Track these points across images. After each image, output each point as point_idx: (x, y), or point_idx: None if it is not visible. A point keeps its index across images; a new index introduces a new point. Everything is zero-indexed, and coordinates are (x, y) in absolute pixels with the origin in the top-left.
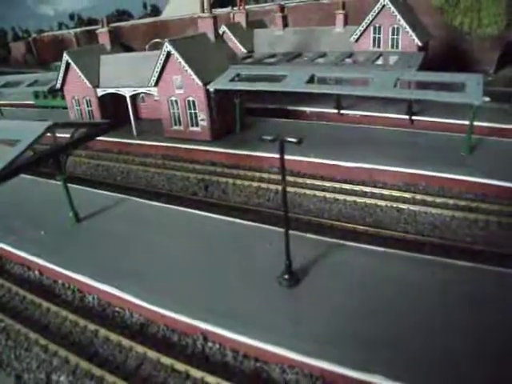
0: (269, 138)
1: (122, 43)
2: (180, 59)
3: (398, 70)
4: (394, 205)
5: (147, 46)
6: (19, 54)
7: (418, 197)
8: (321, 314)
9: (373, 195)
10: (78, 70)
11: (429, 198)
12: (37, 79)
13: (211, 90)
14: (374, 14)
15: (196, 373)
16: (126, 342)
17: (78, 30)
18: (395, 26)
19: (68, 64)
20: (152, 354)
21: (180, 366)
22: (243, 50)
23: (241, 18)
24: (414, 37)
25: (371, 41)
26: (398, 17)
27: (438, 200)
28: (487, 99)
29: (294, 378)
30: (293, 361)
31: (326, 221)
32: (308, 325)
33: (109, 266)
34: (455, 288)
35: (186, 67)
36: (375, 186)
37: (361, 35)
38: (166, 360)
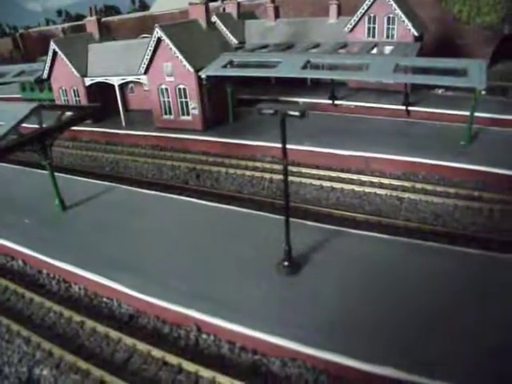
0: (270, 111)
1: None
2: (171, 45)
3: (396, 56)
4: (394, 193)
5: None
6: (6, 51)
7: (419, 185)
8: (323, 301)
9: (371, 184)
10: (65, 59)
11: (429, 187)
12: (23, 70)
13: (203, 76)
14: (369, 3)
15: (189, 366)
16: (114, 333)
17: (66, 25)
18: (391, 16)
19: (55, 53)
20: (142, 347)
21: (172, 359)
22: (234, 40)
23: (232, 9)
24: (410, 27)
25: (366, 31)
26: (394, 6)
27: (439, 189)
28: (483, 92)
29: (297, 372)
30: (295, 353)
31: (324, 209)
32: (309, 313)
33: (95, 254)
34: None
35: (177, 53)
36: (373, 175)
37: (355, 25)
38: (158, 353)
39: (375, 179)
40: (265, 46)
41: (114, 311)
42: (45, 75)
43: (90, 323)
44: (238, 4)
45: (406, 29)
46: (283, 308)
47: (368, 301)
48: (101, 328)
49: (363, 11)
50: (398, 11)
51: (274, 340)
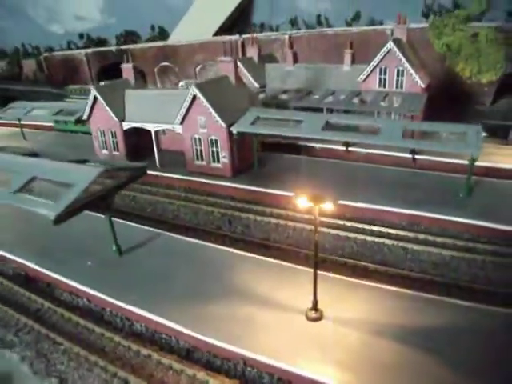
0: None
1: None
2: (205, 102)
3: (404, 120)
4: (400, 244)
5: (156, 69)
6: (30, 72)
7: (421, 236)
8: (347, 340)
9: (380, 234)
10: (104, 105)
11: (430, 238)
12: (62, 108)
13: (234, 132)
14: (381, 56)
15: None
16: (177, 365)
17: (89, 50)
18: (400, 68)
19: (95, 98)
20: (201, 376)
21: None
22: (256, 84)
23: (253, 53)
24: (418, 79)
25: (377, 81)
26: (403, 60)
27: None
28: (484, 134)
29: None
30: None
31: (341, 259)
32: (338, 354)
33: (152, 296)
34: None
35: (211, 109)
36: (382, 226)
37: (368, 76)
38: (214, 382)
39: (383, 229)
40: (285, 91)
41: (173, 346)
42: (85, 117)
43: (155, 356)
44: (259, 49)
45: (413, 81)
46: (310, 346)
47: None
48: (165, 360)
49: (375, 64)
50: (407, 65)
51: (306, 374)
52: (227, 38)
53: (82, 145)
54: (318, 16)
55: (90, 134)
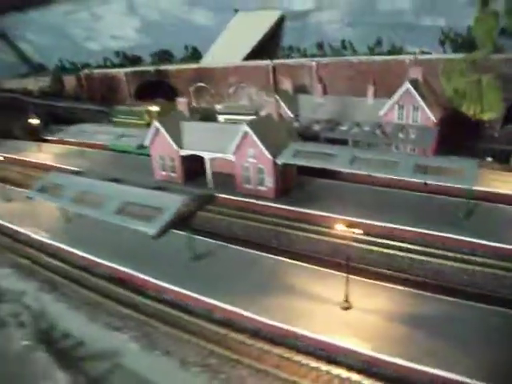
0: None
1: (169, 85)
2: (255, 138)
3: (416, 156)
4: (409, 255)
5: (192, 89)
6: (70, 88)
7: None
8: (370, 323)
9: (393, 246)
10: (166, 135)
11: (432, 250)
12: (123, 134)
13: (279, 163)
14: (399, 94)
15: None
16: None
17: (129, 70)
18: (415, 105)
19: (157, 128)
20: None
21: None
22: (290, 114)
23: (287, 85)
24: (430, 115)
25: (396, 115)
26: (418, 98)
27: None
28: (489, 159)
29: None
30: None
31: (364, 266)
32: (363, 332)
33: (229, 291)
34: None
35: (259, 144)
36: (395, 240)
37: (388, 111)
38: None
39: (395, 243)
40: (317, 121)
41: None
42: (147, 143)
43: (232, 334)
44: (293, 82)
45: (427, 116)
46: (344, 327)
47: None
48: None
49: (394, 101)
50: (421, 103)
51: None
52: (259, 62)
53: (139, 165)
54: (343, 41)
55: (143, 154)
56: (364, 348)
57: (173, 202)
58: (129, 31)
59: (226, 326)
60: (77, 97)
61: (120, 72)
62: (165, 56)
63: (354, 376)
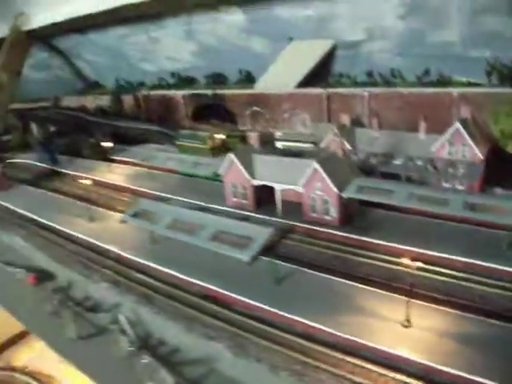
0: None
1: (225, 108)
2: (322, 173)
3: (464, 193)
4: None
5: (248, 113)
6: (128, 108)
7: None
8: (428, 339)
9: (445, 274)
10: (240, 167)
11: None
12: (196, 161)
13: (345, 197)
14: (449, 134)
15: None
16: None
17: (186, 92)
18: (464, 143)
19: (231, 160)
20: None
21: None
22: (348, 146)
23: (345, 120)
24: (477, 152)
25: (447, 151)
26: (467, 137)
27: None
28: None
29: None
30: None
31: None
32: (422, 346)
33: (311, 309)
34: None
35: (326, 178)
36: (446, 268)
37: (439, 147)
38: None
39: (447, 271)
40: (375, 155)
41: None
42: (222, 172)
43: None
44: (351, 118)
45: (474, 153)
46: (405, 342)
47: None
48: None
49: (445, 140)
50: (470, 142)
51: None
52: (313, 90)
53: (210, 190)
54: (392, 69)
55: (210, 178)
56: (422, 358)
57: (262, 234)
58: (185, 54)
59: (307, 338)
60: (135, 117)
61: (177, 94)
62: (219, 79)
63: (414, 382)
